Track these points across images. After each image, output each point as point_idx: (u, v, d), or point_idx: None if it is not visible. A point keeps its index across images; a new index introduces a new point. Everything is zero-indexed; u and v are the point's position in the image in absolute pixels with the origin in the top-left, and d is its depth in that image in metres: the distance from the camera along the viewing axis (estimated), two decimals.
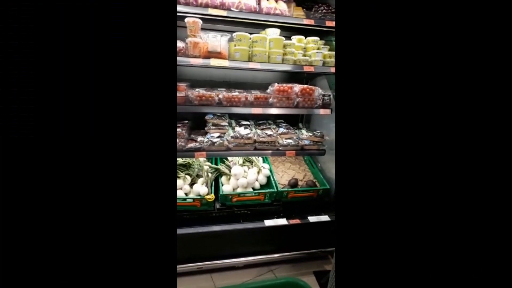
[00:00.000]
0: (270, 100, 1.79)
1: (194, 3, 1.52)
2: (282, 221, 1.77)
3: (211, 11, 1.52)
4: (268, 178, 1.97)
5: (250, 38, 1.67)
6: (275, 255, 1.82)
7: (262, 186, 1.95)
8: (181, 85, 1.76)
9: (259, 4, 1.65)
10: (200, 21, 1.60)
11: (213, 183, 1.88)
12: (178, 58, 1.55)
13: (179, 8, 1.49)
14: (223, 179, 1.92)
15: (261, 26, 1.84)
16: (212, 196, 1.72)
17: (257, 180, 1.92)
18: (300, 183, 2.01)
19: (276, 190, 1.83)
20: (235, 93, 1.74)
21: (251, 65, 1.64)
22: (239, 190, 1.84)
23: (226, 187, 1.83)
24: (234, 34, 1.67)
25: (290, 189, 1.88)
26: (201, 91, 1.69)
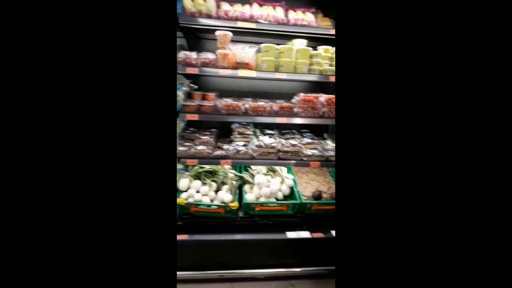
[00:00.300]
0: (295, 109, 1.78)
1: (225, 16, 1.59)
2: (305, 234, 1.72)
3: (241, 24, 1.57)
4: (292, 189, 1.94)
5: (277, 49, 1.70)
6: (297, 269, 1.76)
7: (285, 197, 1.92)
8: (210, 95, 1.82)
9: (286, 16, 1.68)
10: (230, 34, 1.67)
11: (237, 191, 1.89)
12: (208, 69, 1.62)
13: (211, 22, 1.57)
14: (246, 187, 1.93)
15: (288, 37, 1.86)
16: (236, 204, 1.73)
17: (280, 190, 1.90)
18: (324, 195, 1.95)
19: (299, 201, 1.80)
20: (261, 103, 1.77)
21: (277, 75, 1.66)
22: (262, 200, 1.84)
23: (249, 196, 1.84)
24: (261, 45, 1.71)
25: (314, 201, 1.83)
26: (228, 101, 1.74)
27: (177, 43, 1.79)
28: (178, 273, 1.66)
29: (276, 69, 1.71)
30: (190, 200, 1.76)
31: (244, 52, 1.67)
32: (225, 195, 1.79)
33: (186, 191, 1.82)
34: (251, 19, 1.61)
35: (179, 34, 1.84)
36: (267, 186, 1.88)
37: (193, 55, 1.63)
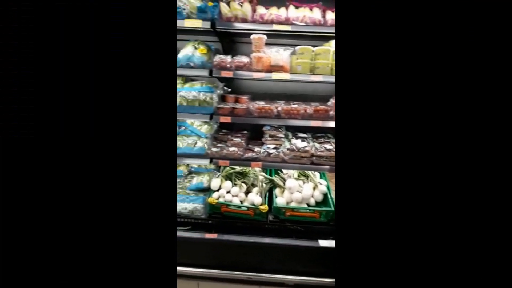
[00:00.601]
0: (331, 112, 1.71)
1: (260, 20, 1.60)
2: None
3: (276, 27, 1.56)
4: (325, 195, 1.86)
5: (313, 51, 1.65)
6: (328, 280, 1.67)
7: (318, 203, 1.85)
8: (243, 98, 1.85)
9: (324, 16, 1.63)
10: (265, 37, 1.67)
11: (267, 194, 1.88)
12: (242, 72, 1.65)
13: (246, 26, 1.59)
14: (277, 191, 1.90)
15: (325, 38, 1.80)
16: (265, 207, 1.72)
17: (312, 196, 1.84)
18: None
19: (333, 209, 1.71)
20: (294, 106, 1.73)
21: (312, 77, 1.62)
22: (293, 205, 1.79)
23: (280, 200, 1.81)
24: (296, 47, 1.68)
25: None
26: (261, 104, 1.74)
27: (213, 47, 1.85)
28: (206, 270, 1.70)
29: (312, 71, 1.66)
30: (221, 200, 1.79)
31: (279, 54, 1.65)
32: (255, 197, 1.78)
33: (217, 190, 1.86)
34: (286, 22, 1.59)
35: (215, 38, 1.91)
36: (299, 191, 1.83)
37: (228, 58, 1.67)
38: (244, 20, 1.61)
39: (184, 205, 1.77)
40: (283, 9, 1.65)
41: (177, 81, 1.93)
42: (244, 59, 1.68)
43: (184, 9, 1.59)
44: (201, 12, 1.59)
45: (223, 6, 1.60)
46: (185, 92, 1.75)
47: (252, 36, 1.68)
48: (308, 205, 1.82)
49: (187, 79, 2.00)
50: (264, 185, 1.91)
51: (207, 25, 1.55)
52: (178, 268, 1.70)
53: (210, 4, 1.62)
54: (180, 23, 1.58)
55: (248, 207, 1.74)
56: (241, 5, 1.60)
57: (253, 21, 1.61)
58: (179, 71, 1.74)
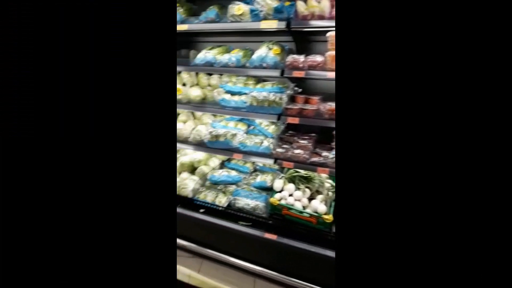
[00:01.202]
0: None
1: None
2: None
3: None
4: None
5: None
6: None
7: None
8: (314, 99, 1.77)
9: None
10: None
11: (333, 203, 1.74)
12: (314, 72, 1.57)
13: (323, 23, 1.50)
14: None
15: None
16: (330, 217, 1.60)
17: None
18: None
19: None
20: None
21: None
22: None
23: None
24: None
25: None
26: (333, 105, 1.62)
27: (287, 47, 1.84)
28: (263, 269, 1.71)
29: None
30: (283, 202, 1.77)
31: None
32: (319, 205, 1.68)
33: (280, 192, 1.84)
34: None
35: (289, 38, 1.89)
36: None
37: (301, 58, 1.62)
38: (321, 17, 1.52)
39: (247, 201, 1.83)
40: None
41: (250, 82, 2.01)
42: (318, 58, 1.60)
43: (261, 11, 1.63)
44: (277, 12, 1.60)
45: (300, 4, 1.56)
46: (256, 92, 1.80)
47: (328, 34, 1.58)
48: None
49: (259, 80, 2.05)
50: (330, 193, 1.78)
51: (282, 25, 1.55)
52: (236, 261, 1.78)
53: (287, 3, 1.60)
54: (256, 25, 1.63)
55: (310, 214, 1.65)
56: (318, 2, 1.52)
57: (331, 18, 1.50)
58: (252, 72, 1.80)
